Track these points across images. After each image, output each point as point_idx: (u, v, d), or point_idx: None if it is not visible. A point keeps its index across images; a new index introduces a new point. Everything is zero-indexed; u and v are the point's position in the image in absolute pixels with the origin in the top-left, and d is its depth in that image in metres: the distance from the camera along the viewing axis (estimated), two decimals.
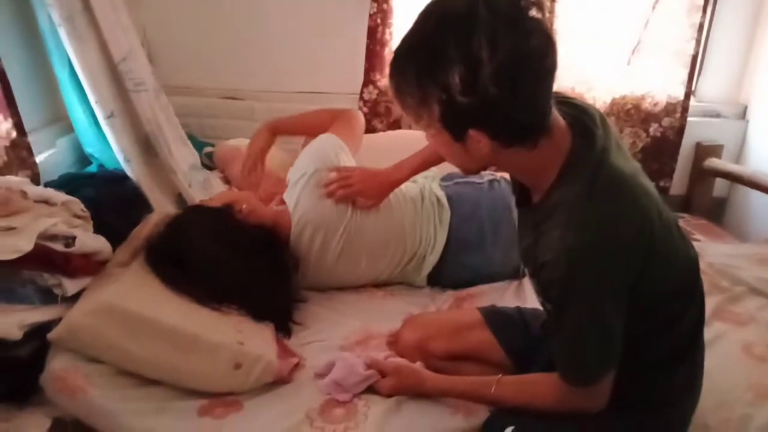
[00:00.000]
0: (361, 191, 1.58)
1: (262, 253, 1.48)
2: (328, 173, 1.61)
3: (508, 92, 0.79)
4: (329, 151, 1.66)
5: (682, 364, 1.05)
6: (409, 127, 2.31)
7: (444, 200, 1.69)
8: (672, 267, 0.95)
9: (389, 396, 1.22)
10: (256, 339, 1.30)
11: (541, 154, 0.89)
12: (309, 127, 1.80)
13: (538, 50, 0.80)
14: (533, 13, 0.80)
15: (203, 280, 1.38)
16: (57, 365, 1.20)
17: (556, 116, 0.90)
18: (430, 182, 1.76)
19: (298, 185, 1.62)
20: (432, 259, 1.66)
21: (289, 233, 1.58)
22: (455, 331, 1.34)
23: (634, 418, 1.03)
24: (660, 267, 0.91)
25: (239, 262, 1.42)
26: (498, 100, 0.79)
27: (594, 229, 0.86)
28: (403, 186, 1.66)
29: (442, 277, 1.69)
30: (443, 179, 1.79)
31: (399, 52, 0.86)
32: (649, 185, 0.94)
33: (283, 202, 1.65)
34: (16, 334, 1.17)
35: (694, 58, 2.22)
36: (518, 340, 1.29)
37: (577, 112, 0.94)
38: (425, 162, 1.59)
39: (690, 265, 1.01)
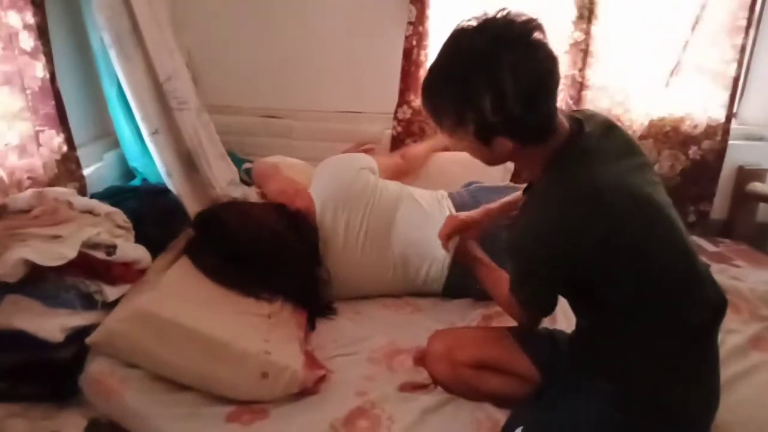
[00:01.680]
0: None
1: (295, 237, 1.62)
2: None
3: (528, 108, 0.97)
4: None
5: (684, 360, 1.08)
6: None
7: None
8: (642, 259, 1.02)
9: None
10: (283, 349, 1.33)
11: (547, 147, 1.05)
12: None
13: (548, 71, 0.98)
14: (537, 35, 0.96)
15: (242, 263, 1.50)
16: (95, 368, 1.25)
17: (560, 117, 1.07)
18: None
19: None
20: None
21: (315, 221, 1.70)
22: (482, 341, 1.36)
23: (635, 410, 1.07)
24: (625, 258, 1.01)
25: (275, 244, 1.57)
26: (521, 115, 0.97)
27: (544, 214, 1.03)
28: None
29: (461, 282, 1.67)
30: (464, 185, 1.92)
31: (432, 82, 1.04)
32: (629, 184, 1.02)
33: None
34: (59, 337, 1.23)
35: (736, 79, 2.17)
36: (544, 352, 1.29)
37: (582, 116, 1.10)
38: (504, 208, 1.55)
39: (687, 266, 1.07)
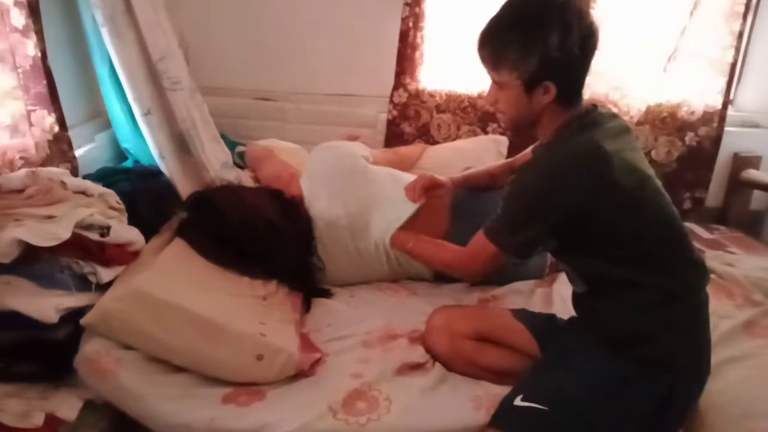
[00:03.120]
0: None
1: (288, 223, 1.62)
2: None
3: (582, 55, 1.13)
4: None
5: (676, 316, 1.15)
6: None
7: None
8: (633, 215, 1.13)
9: None
10: (278, 332, 1.33)
11: (568, 113, 1.19)
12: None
13: (597, 33, 1.14)
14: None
15: (234, 242, 1.52)
16: (90, 348, 1.24)
17: (583, 97, 1.22)
18: None
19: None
20: None
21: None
22: (482, 315, 1.44)
23: (629, 365, 1.12)
24: (615, 211, 1.12)
25: (267, 230, 1.57)
26: (576, 59, 1.13)
27: (549, 161, 1.17)
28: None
29: None
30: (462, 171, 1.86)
31: (497, 26, 1.16)
32: (627, 158, 1.14)
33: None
34: (53, 317, 1.22)
35: (733, 66, 2.17)
36: (544, 327, 1.34)
37: (596, 103, 1.25)
38: (472, 178, 1.73)
39: (668, 229, 1.18)
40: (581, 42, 1.10)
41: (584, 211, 1.11)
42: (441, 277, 1.74)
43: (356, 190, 1.69)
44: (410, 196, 1.60)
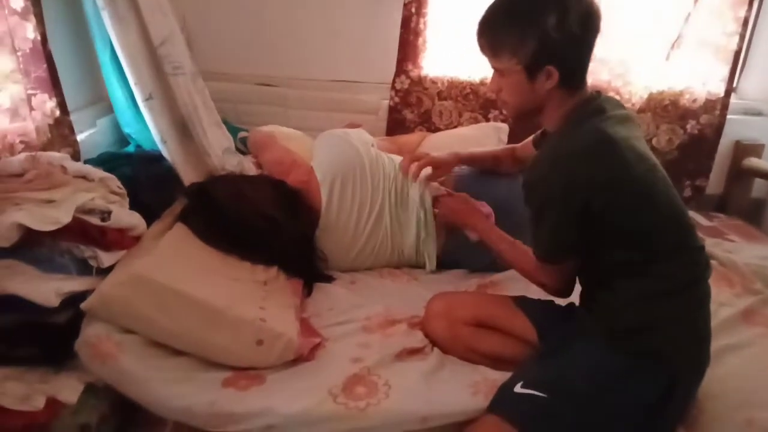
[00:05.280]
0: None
1: (290, 216, 1.61)
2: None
3: (583, 35, 1.11)
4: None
5: (678, 306, 1.14)
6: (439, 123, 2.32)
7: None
8: (646, 205, 1.12)
9: (442, 217, 1.58)
10: (278, 317, 1.33)
11: (573, 99, 1.17)
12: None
13: (597, 14, 1.13)
14: None
15: (235, 236, 1.52)
16: (91, 332, 1.25)
17: (587, 82, 1.20)
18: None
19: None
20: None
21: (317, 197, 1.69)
22: (481, 301, 1.43)
23: (629, 354, 1.12)
24: (630, 201, 1.10)
25: (268, 226, 1.56)
26: (577, 40, 1.11)
27: (560, 152, 1.13)
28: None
29: (457, 254, 1.69)
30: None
31: (494, 14, 1.15)
32: (635, 146, 1.13)
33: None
34: (54, 301, 1.21)
35: (737, 53, 2.15)
36: (542, 314, 1.34)
37: (600, 90, 1.23)
38: (477, 158, 1.71)
39: (676, 218, 1.16)
40: (580, 21, 1.09)
41: (598, 201, 1.08)
42: (443, 265, 1.74)
43: (369, 177, 1.70)
44: (404, 171, 1.60)
